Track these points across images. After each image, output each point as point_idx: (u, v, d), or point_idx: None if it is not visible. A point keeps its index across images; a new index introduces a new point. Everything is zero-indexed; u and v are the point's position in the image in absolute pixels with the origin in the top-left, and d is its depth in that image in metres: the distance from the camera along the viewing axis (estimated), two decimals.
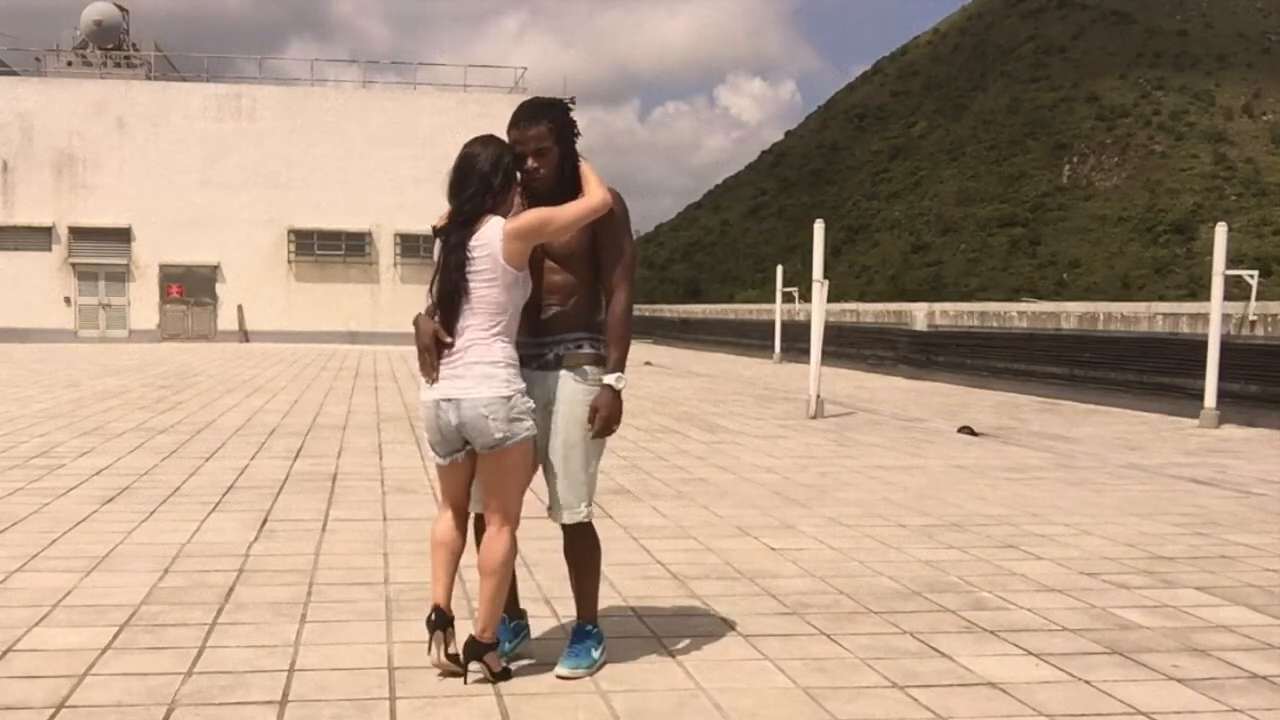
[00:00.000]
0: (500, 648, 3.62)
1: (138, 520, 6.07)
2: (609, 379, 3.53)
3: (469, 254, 3.41)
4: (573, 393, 3.55)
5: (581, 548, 3.72)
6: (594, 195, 3.49)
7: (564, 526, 3.68)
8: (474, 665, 3.50)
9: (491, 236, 3.40)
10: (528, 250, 3.44)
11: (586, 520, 3.66)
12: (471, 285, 3.42)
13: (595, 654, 3.69)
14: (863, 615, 4.44)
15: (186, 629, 4.08)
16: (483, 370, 3.41)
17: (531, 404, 3.48)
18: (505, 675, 3.56)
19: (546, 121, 3.48)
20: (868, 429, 11.52)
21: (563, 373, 3.55)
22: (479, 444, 3.44)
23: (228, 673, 3.60)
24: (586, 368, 3.56)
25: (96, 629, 4.05)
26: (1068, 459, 9.40)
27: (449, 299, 3.46)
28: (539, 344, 3.57)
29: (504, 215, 3.46)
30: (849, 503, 7.04)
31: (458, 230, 3.45)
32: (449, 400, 3.44)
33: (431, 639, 3.55)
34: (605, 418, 3.51)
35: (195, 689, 3.45)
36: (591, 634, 3.72)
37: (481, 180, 3.44)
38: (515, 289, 3.45)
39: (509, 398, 3.40)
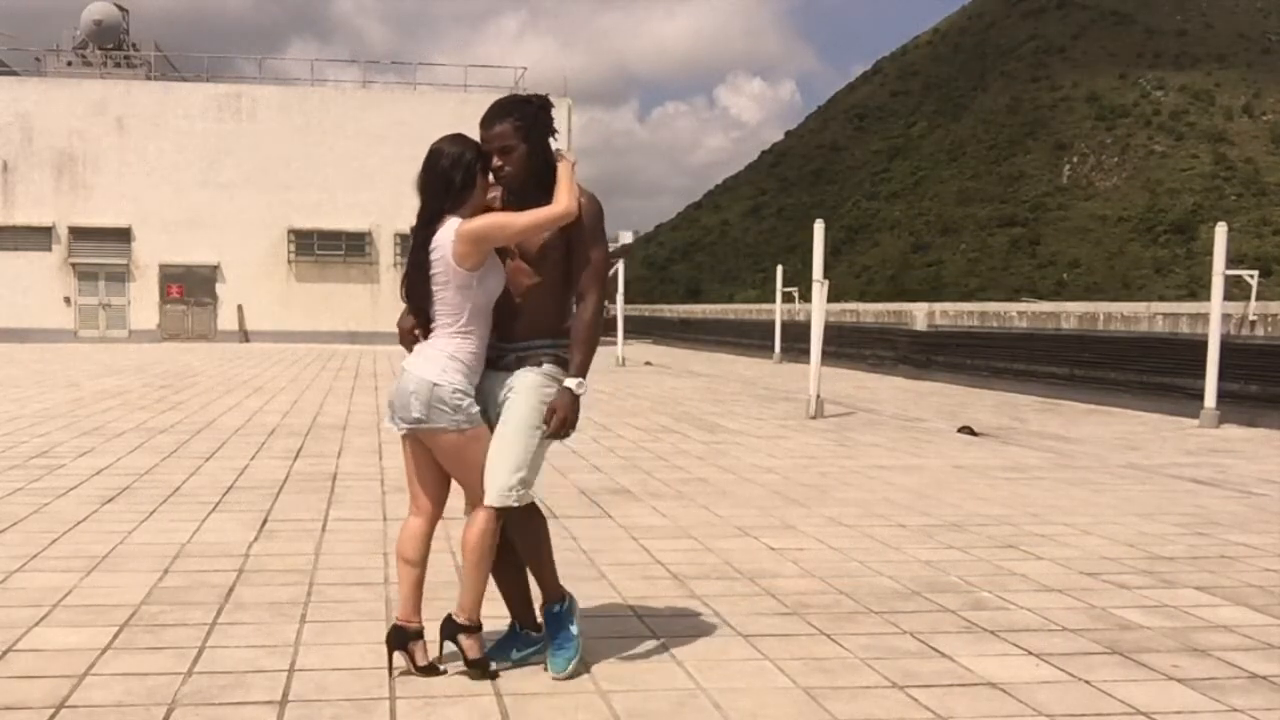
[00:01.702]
0: (508, 654, 3.64)
1: (138, 520, 6.07)
2: (569, 382, 3.46)
3: (429, 254, 3.42)
4: (524, 379, 3.49)
5: (520, 534, 3.54)
6: (557, 204, 3.43)
7: (495, 510, 3.44)
8: (461, 662, 3.51)
9: (445, 238, 3.40)
10: (480, 253, 3.40)
11: (514, 505, 3.43)
12: (431, 286, 3.43)
13: (573, 629, 3.64)
14: (863, 615, 4.44)
15: (186, 629, 4.08)
16: (429, 354, 3.45)
17: (465, 402, 3.41)
18: (482, 665, 3.53)
19: (511, 120, 3.45)
20: (868, 429, 11.52)
21: (520, 370, 3.51)
22: (399, 414, 3.46)
23: (228, 673, 3.60)
24: (546, 365, 3.51)
25: (96, 629, 4.05)
26: (1068, 459, 9.40)
27: (412, 300, 3.50)
28: (503, 348, 3.54)
29: (465, 216, 3.42)
30: (849, 503, 7.04)
31: (420, 230, 3.46)
32: (404, 369, 3.51)
33: (392, 656, 3.56)
34: (561, 419, 3.43)
35: (195, 689, 3.45)
36: (560, 613, 3.64)
37: (442, 178, 3.44)
38: (469, 290, 3.42)
39: (436, 384, 3.40)
